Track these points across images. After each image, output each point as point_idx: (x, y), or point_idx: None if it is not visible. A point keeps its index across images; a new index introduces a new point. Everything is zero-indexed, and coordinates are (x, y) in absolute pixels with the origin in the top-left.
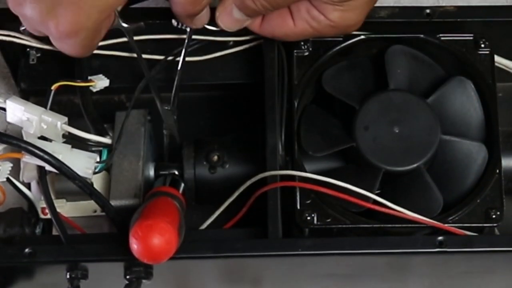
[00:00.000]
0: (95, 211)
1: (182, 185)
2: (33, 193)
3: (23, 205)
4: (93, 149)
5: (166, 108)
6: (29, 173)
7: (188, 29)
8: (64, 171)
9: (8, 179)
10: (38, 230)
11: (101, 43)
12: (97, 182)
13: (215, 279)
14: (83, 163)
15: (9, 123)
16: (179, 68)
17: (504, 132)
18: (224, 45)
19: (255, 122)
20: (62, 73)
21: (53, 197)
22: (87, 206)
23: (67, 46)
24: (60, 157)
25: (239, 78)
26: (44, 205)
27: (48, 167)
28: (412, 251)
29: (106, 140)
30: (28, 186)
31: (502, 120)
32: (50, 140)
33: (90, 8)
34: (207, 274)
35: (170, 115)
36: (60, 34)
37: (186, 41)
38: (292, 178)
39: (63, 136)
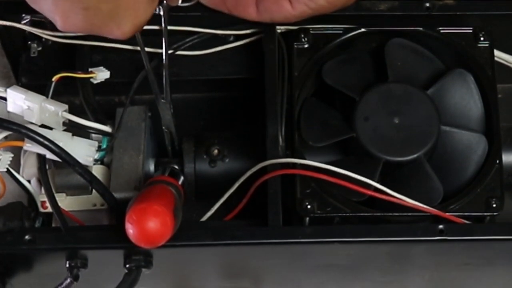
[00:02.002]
0: (94, 205)
1: (182, 178)
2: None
3: (23, 200)
4: (94, 138)
5: (163, 101)
6: (29, 169)
7: (162, 13)
8: (64, 157)
9: (9, 171)
10: (37, 225)
11: None
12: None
13: (215, 274)
14: (84, 151)
15: (9, 113)
16: (164, 57)
17: (504, 128)
18: (224, 40)
19: (255, 117)
20: (63, 67)
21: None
22: (87, 200)
23: None
24: (61, 145)
25: (240, 73)
26: (44, 199)
27: (48, 155)
28: (412, 239)
29: (107, 128)
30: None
31: (503, 117)
32: (51, 129)
33: (145, 6)
34: (207, 268)
35: (167, 109)
36: (122, 37)
37: (164, 27)
38: (292, 167)
39: (64, 124)
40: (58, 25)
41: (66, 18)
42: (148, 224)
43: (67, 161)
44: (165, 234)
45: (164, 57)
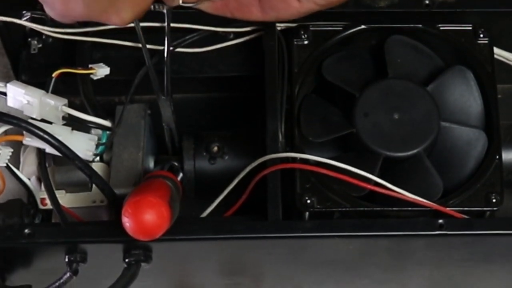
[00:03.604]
0: (94, 202)
1: (181, 174)
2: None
3: (22, 198)
4: (93, 132)
5: (163, 97)
6: (28, 167)
7: (165, 11)
8: (64, 151)
9: (9, 168)
10: (37, 221)
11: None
12: None
13: (215, 271)
14: (83, 145)
15: (10, 108)
16: (165, 53)
17: (504, 125)
18: (224, 37)
19: (255, 115)
20: (63, 64)
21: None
22: (86, 197)
23: None
24: (60, 139)
25: (240, 70)
26: (44, 196)
27: (48, 149)
28: (412, 233)
29: (106, 122)
30: None
31: (502, 115)
32: (51, 123)
33: None
34: (206, 264)
35: (167, 106)
36: (121, 24)
37: (166, 25)
38: (292, 162)
39: (63, 118)
40: (57, 12)
41: (66, 4)
42: (144, 216)
43: (67, 155)
44: (161, 225)
45: (165, 53)
